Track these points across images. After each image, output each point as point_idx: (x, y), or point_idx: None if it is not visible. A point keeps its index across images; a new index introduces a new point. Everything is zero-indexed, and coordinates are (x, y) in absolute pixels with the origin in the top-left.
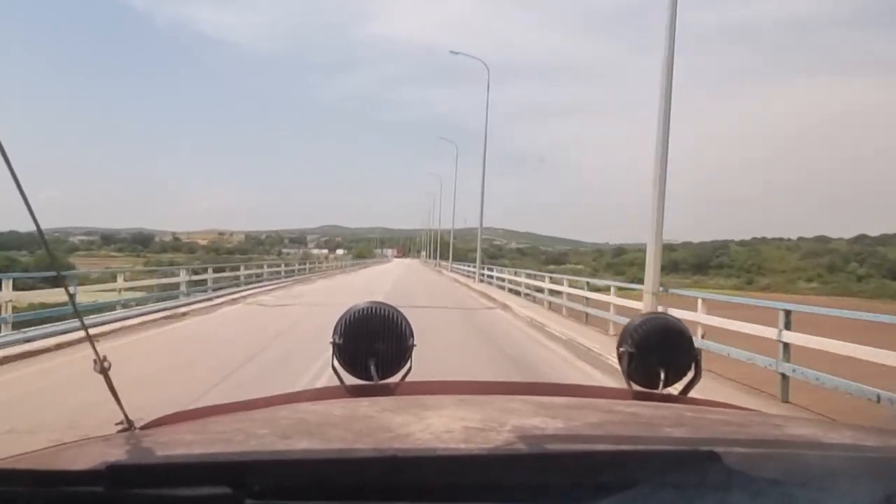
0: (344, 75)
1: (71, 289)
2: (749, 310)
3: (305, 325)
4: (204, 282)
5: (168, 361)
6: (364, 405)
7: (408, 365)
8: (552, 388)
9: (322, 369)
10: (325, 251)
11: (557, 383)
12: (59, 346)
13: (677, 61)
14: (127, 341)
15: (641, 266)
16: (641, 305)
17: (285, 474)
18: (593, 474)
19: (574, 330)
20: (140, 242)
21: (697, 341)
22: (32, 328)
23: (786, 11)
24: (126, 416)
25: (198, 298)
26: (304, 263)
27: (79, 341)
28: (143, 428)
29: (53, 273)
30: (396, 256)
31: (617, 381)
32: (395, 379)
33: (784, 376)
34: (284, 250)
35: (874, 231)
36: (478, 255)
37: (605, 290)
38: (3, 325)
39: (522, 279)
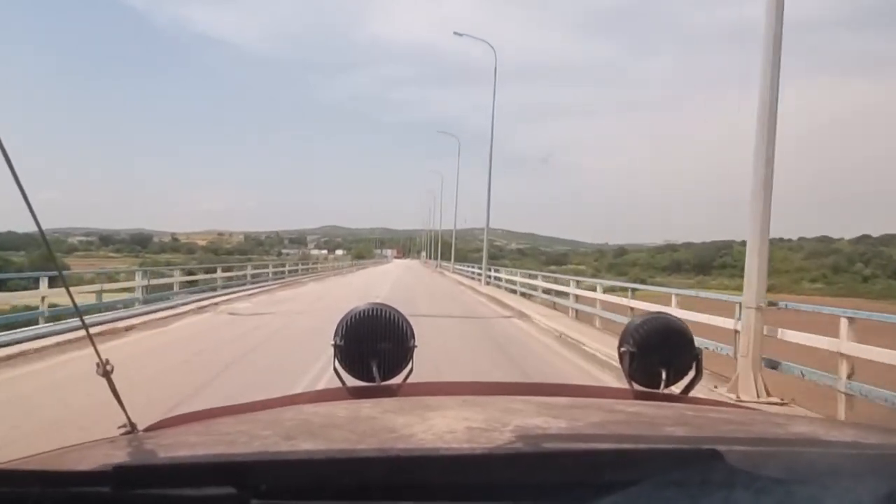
0: (344, 75)
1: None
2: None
3: (277, 347)
4: (170, 286)
5: None
6: (367, 406)
7: (409, 366)
8: (554, 389)
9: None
10: (325, 252)
11: (559, 383)
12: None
13: (681, 61)
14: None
15: (644, 267)
16: (733, 324)
17: (290, 474)
18: (596, 473)
19: None
20: (139, 243)
21: (842, 384)
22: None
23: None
24: (129, 418)
25: (158, 307)
26: (297, 265)
27: (45, 348)
28: (146, 430)
29: (43, 273)
30: (396, 257)
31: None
32: (397, 380)
33: None
34: (284, 251)
35: (876, 231)
36: (484, 255)
37: (640, 294)
38: None
39: (539, 282)
